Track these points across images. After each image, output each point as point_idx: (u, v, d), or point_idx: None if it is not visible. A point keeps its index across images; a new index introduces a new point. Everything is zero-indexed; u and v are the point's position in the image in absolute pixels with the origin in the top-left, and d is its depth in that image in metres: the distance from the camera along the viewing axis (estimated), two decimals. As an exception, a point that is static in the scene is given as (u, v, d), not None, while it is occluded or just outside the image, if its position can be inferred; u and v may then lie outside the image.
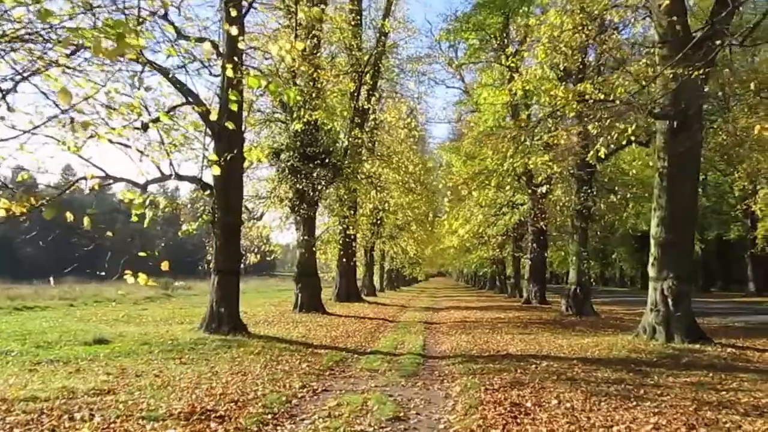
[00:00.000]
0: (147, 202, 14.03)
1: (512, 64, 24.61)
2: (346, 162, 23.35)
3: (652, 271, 13.59)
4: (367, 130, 26.18)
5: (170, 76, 13.57)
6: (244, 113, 15.36)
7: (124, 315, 20.98)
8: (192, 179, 14.63)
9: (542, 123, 19.85)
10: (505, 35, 29.49)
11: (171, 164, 14.26)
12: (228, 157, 13.31)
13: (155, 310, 24.50)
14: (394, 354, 12.57)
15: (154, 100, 13.23)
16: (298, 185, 21.03)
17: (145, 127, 12.42)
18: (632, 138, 16.11)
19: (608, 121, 13.05)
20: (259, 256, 22.30)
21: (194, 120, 14.02)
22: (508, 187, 28.79)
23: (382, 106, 28.27)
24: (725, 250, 51.21)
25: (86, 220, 6.63)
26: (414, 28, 29.37)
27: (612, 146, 22.23)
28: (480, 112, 34.67)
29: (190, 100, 13.75)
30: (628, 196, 22.79)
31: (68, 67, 7.85)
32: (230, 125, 8.62)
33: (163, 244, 19.11)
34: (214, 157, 13.82)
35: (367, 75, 26.36)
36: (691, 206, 13.54)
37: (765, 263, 44.58)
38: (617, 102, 12.74)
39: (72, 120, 7.03)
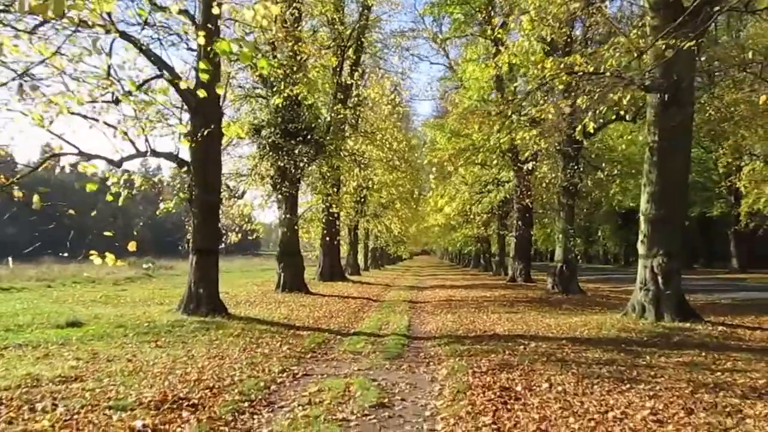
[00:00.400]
0: (122, 180, 13.72)
1: (499, 36, 24.26)
2: (329, 138, 22.86)
3: (641, 249, 13.31)
4: (350, 106, 25.61)
5: (144, 47, 13.02)
6: (222, 87, 14.78)
7: (102, 296, 20.48)
8: (168, 156, 14.11)
9: (530, 96, 19.53)
10: (490, 8, 28.90)
11: (147, 140, 13.78)
12: (205, 132, 12.86)
13: (135, 290, 24.03)
14: (378, 335, 12.23)
15: (128, 76, 12.72)
16: (279, 162, 20.53)
17: (116, 101, 11.86)
18: (621, 112, 15.88)
19: (597, 94, 12.65)
20: (240, 235, 21.80)
21: (165, 89, 13.50)
22: (494, 164, 28.54)
23: (365, 82, 27.67)
24: (708, 226, 51.31)
25: (35, 198, 6.15)
26: (398, 1, 28.51)
27: (600, 121, 21.97)
28: (465, 88, 34.23)
29: (164, 72, 13.17)
30: (615, 172, 22.52)
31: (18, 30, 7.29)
32: (201, 93, 8.03)
33: (141, 224, 18.59)
34: (183, 128, 13.45)
35: (350, 49, 25.79)
36: (682, 181, 13.24)
37: (748, 240, 44.68)
38: (607, 75, 12.37)
39: (21, 85, 6.49)
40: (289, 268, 22.44)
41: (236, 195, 22.16)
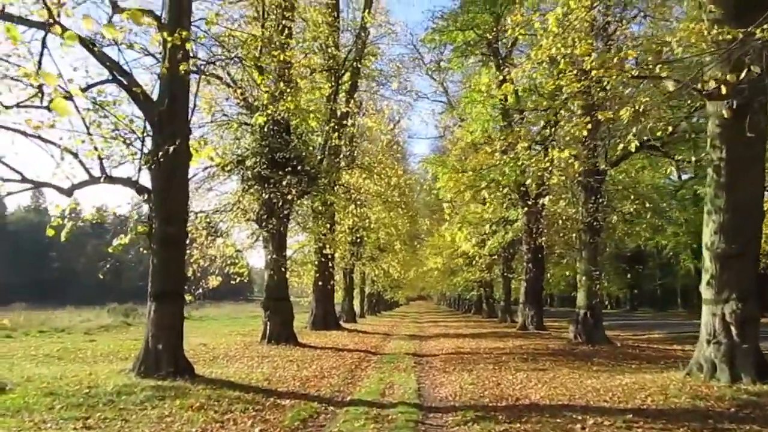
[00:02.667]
0: (66, 211, 11.21)
1: (507, 62, 22.16)
2: (323, 171, 20.47)
3: (707, 292, 10.75)
4: (345, 137, 23.29)
5: (91, 43, 10.65)
6: (192, 103, 12.38)
7: (60, 349, 17.77)
8: (126, 182, 11.61)
9: (541, 121, 17.26)
10: (495, 36, 26.85)
11: (101, 164, 11.38)
12: (170, 150, 10.41)
13: (103, 342, 21.21)
14: (381, 405, 9.56)
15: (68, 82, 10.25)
16: (264, 195, 18.03)
17: (47, 106, 9.40)
18: (651, 139, 13.56)
19: (641, 103, 10.25)
20: (221, 278, 19.06)
21: (119, 101, 11.14)
22: (501, 201, 26.17)
23: (362, 112, 25.39)
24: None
25: None
26: (394, 30, 26.58)
27: (620, 152, 19.68)
28: (466, 123, 32.10)
29: (117, 76, 10.77)
30: (647, 205, 20.07)
31: None
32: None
33: (108, 266, 16.20)
34: (130, 152, 11.01)
35: (345, 75, 23.59)
36: (757, 206, 10.72)
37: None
38: (664, 77, 10.04)
39: None
40: (276, 315, 19.73)
41: (217, 233, 19.58)
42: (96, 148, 11.20)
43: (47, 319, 31.83)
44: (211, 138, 19.49)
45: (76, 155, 11.07)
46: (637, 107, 10.25)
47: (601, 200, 19.36)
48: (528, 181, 25.77)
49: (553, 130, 12.73)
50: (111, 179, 11.36)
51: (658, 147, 19.71)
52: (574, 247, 20.23)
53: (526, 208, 23.19)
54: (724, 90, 7.77)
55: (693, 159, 19.69)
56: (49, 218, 10.93)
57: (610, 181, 20.52)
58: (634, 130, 10.47)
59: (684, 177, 44.96)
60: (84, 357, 15.95)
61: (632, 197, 20.82)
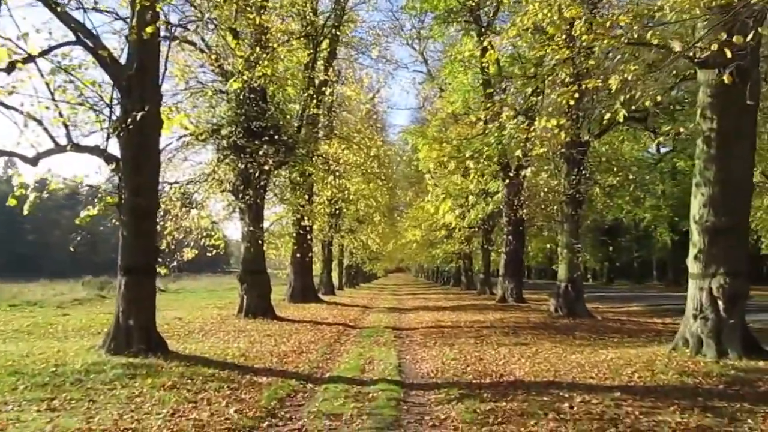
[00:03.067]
0: (32, 181, 10.70)
1: (489, 29, 21.67)
2: (300, 141, 19.95)
3: (694, 266, 10.51)
4: (323, 106, 22.73)
5: (57, 8, 10.02)
6: (163, 67, 11.77)
7: (30, 324, 17.24)
8: (94, 150, 11.04)
9: (525, 90, 16.84)
10: (477, 3, 26.26)
11: (68, 131, 10.83)
12: (137, 117, 9.88)
13: (76, 316, 20.67)
14: (361, 381, 9.25)
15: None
16: (240, 165, 17.49)
17: (9, 69, 8.85)
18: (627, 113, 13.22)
19: (631, 71, 9.86)
20: (196, 251, 18.57)
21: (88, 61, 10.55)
22: (482, 173, 25.88)
23: (341, 81, 24.76)
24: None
25: None
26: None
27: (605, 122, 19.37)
28: (447, 93, 31.63)
29: (82, 37, 10.15)
30: (630, 177, 19.82)
31: None
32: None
33: (79, 238, 15.68)
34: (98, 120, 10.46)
35: (323, 43, 22.93)
36: (747, 179, 10.48)
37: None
38: (654, 43, 9.66)
39: None
40: (253, 288, 19.31)
41: (192, 204, 19.00)
42: (61, 115, 10.64)
43: (19, 293, 31.10)
44: (185, 106, 18.85)
45: (40, 122, 10.51)
46: (626, 76, 9.89)
47: (583, 172, 19.10)
48: (512, 153, 25.54)
49: (540, 98, 12.33)
50: (78, 147, 10.82)
51: (640, 119, 19.49)
52: (556, 220, 19.98)
53: (507, 180, 22.88)
54: (729, 54, 7.39)
55: (673, 132, 19.47)
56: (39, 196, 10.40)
57: (592, 153, 20.24)
58: (621, 99, 10.12)
59: (663, 150, 45.10)
60: (55, 332, 15.46)
61: (615, 169, 20.59)
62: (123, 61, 10.98)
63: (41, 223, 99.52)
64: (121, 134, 10.56)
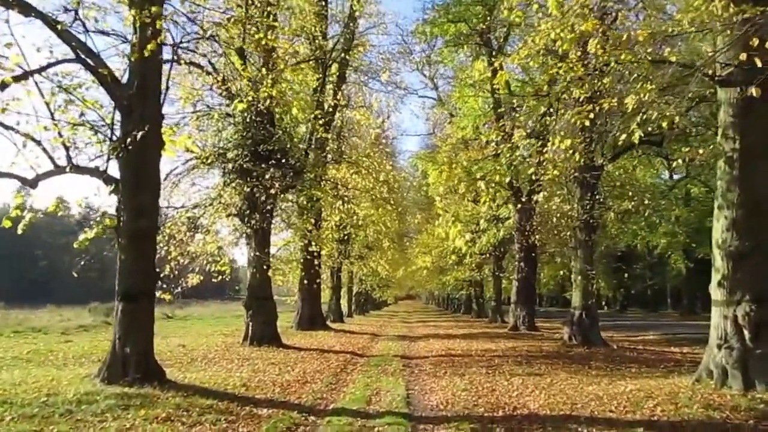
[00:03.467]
0: (28, 203, 10.45)
1: (500, 53, 21.40)
2: (309, 166, 19.66)
3: (718, 293, 9.99)
4: (332, 130, 22.47)
5: (57, 26, 9.78)
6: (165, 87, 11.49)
7: (31, 351, 16.87)
8: (93, 171, 10.74)
9: (536, 112, 16.45)
10: (487, 27, 26.06)
11: (67, 152, 10.56)
12: (137, 136, 9.58)
13: (79, 342, 20.30)
14: (366, 414, 8.76)
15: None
16: (246, 188, 17.15)
17: (2, 86, 8.57)
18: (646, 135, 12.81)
19: (647, 91, 9.49)
20: (202, 277, 18.19)
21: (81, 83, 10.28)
22: (493, 197, 25.47)
23: (350, 105, 24.52)
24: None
25: None
26: (384, 21, 25.71)
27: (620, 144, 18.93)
28: (457, 119, 31.40)
29: (82, 55, 9.90)
30: (646, 201, 19.29)
31: None
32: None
33: (83, 263, 15.31)
34: (95, 139, 10.16)
35: (333, 67, 22.75)
36: (773, 201, 9.98)
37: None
38: (674, 61, 9.28)
39: None
40: (258, 315, 18.85)
41: (197, 229, 18.67)
42: (60, 135, 10.38)
43: (24, 319, 30.82)
44: (191, 130, 18.65)
45: (39, 143, 10.26)
46: (642, 96, 9.51)
47: (597, 197, 18.65)
48: (524, 174, 25.10)
49: (553, 118, 11.91)
50: (77, 169, 10.56)
51: (655, 142, 19.09)
52: (569, 246, 19.48)
53: (519, 205, 22.43)
54: (759, 63, 6.98)
55: (688, 158, 19.09)
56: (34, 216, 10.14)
57: (606, 177, 19.77)
58: (637, 119, 9.73)
59: (676, 177, 44.55)
60: (54, 359, 15.09)
61: (630, 194, 20.10)
62: (125, 81, 10.73)
63: (52, 250, 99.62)
64: (121, 155, 10.25)
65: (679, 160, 20.07)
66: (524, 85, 24.47)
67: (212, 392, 9.99)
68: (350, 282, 46.27)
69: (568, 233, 19.68)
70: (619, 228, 21.40)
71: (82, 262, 15.35)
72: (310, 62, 20.37)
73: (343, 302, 43.06)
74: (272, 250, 21.97)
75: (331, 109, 22.98)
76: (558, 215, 20.12)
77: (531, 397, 9.96)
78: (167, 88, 10.99)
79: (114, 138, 10.67)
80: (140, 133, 9.60)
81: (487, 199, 21.72)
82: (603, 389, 10.45)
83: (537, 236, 22.40)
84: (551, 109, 12.53)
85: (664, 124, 9.86)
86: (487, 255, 36.32)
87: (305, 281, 26.29)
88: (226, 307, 58.69)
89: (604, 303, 72.43)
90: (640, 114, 9.80)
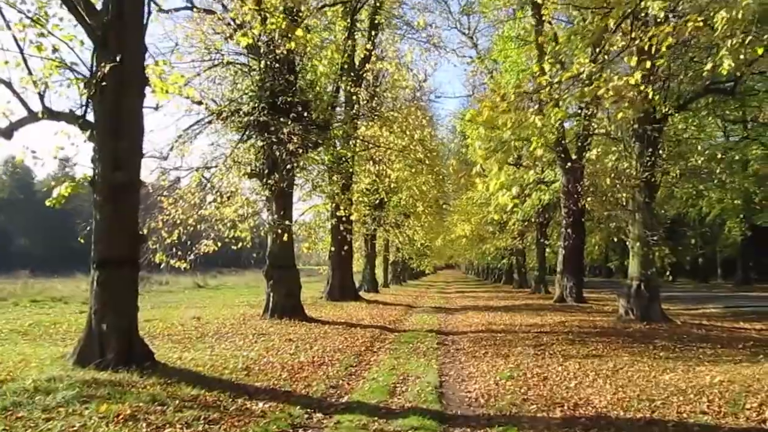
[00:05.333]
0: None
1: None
2: (335, 121, 17.83)
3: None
4: (363, 82, 20.50)
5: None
6: None
7: (34, 323, 15.49)
8: (69, 117, 9.04)
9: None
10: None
11: (41, 96, 8.92)
12: (105, 68, 7.82)
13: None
14: (387, 410, 6.98)
15: None
16: (262, 144, 15.38)
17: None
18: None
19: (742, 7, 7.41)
20: (219, 245, 16.40)
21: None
22: (539, 158, 23.32)
23: (384, 56, 22.40)
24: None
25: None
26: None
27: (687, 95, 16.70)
28: (498, 74, 29.16)
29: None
30: (719, 156, 16.78)
31: None
32: None
33: (88, 228, 13.86)
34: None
35: (362, 13, 20.69)
36: None
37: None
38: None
39: None
40: (280, 286, 17.19)
41: (217, 192, 16.92)
42: (30, 72, 8.71)
43: (46, 288, 29.79)
44: (205, 83, 16.94)
45: (9, 84, 8.63)
46: (735, 13, 7.42)
47: (660, 152, 16.39)
48: (572, 130, 22.88)
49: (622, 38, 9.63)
50: (52, 114, 8.91)
51: (727, 91, 16.71)
52: (626, 209, 17.27)
53: (569, 164, 20.20)
54: None
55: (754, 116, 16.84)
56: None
57: (670, 130, 17.36)
58: (728, 44, 7.63)
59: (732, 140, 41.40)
60: (54, 333, 13.67)
61: (698, 148, 17.66)
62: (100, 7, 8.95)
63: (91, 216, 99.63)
64: (95, 94, 8.51)
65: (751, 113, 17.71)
66: (573, 37, 22.11)
67: (204, 379, 8.31)
68: (386, 251, 44.51)
69: (624, 195, 17.45)
70: (684, 190, 18.88)
71: (88, 228, 13.70)
72: (337, 5, 18.29)
73: (379, 272, 41.38)
74: (297, 216, 20.27)
75: (363, 62, 20.99)
76: (612, 175, 17.84)
77: (594, 388, 8.02)
78: (149, 13, 9.14)
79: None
80: (109, 66, 7.83)
81: (532, 156, 19.49)
82: (682, 378, 8.46)
83: (588, 199, 20.15)
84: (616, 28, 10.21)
85: (760, 50, 7.70)
86: (531, 221, 34.18)
87: (336, 249, 24.61)
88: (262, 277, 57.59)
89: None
90: (731, 39, 7.71)
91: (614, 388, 7.93)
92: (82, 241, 12.74)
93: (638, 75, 8.72)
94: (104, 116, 8.59)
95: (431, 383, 8.50)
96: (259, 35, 13.16)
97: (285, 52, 14.74)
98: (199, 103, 15.38)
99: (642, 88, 9.23)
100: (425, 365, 10.14)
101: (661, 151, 16.52)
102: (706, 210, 45.30)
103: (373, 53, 21.08)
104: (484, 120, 8.00)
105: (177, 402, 6.87)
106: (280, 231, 16.62)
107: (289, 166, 15.91)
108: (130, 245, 8.72)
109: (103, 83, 8.35)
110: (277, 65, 15.74)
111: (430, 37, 27.50)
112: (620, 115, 11.60)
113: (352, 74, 20.25)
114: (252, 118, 15.67)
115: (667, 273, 23.74)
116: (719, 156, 18.35)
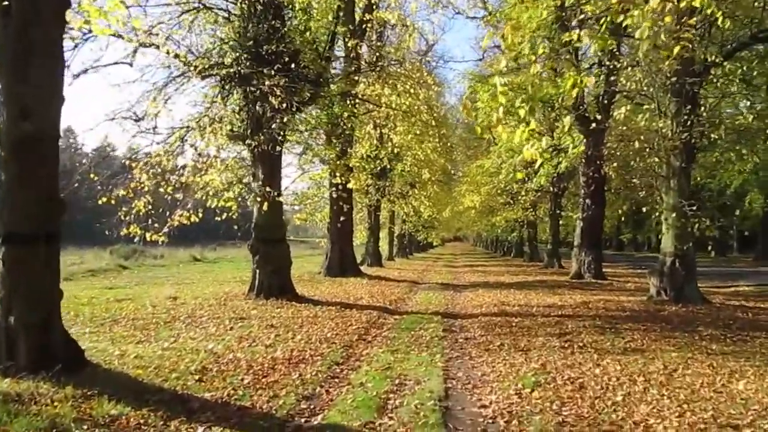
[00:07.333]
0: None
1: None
2: (328, 75, 15.79)
3: None
4: (359, 32, 18.39)
5: None
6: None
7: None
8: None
9: None
10: None
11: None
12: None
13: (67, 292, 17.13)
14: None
15: None
16: (236, 97, 13.37)
17: None
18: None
19: None
20: (197, 216, 14.33)
21: None
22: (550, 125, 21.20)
23: (383, 6, 20.20)
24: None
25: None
26: None
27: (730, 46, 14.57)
28: (511, 30, 26.81)
29: None
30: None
31: None
32: None
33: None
34: None
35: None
36: None
37: None
38: None
39: None
40: (267, 262, 15.24)
41: (197, 153, 14.87)
42: None
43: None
44: (180, 31, 14.80)
45: None
46: None
47: (702, 110, 14.26)
48: (594, 90, 20.86)
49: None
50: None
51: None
52: (660, 175, 15.17)
53: (593, 126, 18.02)
54: None
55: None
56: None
57: (711, 83, 15.09)
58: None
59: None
60: None
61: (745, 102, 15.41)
62: None
63: (97, 189, 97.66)
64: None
65: None
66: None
67: (140, 387, 6.41)
68: (391, 223, 42.53)
69: (657, 159, 15.36)
70: (735, 153, 16.44)
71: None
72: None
73: (383, 245, 39.45)
74: (289, 183, 18.26)
75: (363, 12, 18.85)
76: (641, 137, 15.70)
77: (648, 404, 6.03)
78: None
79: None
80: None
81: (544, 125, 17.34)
82: (761, 389, 6.49)
83: (613, 164, 18.01)
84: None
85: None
86: (544, 191, 32.10)
87: (334, 221, 22.66)
88: (297, 251, 55.52)
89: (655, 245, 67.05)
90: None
91: (677, 404, 5.97)
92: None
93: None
94: (7, 49, 6.58)
95: (434, 393, 6.57)
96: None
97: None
98: (176, 56, 13.33)
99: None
100: (428, 363, 8.21)
101: (704, 108, 14.39)
102: (726, 181, 43.03)
103: (375, 4, 18.98)
104: (507, 45, 5.92)
105: (85, 429, 4.99)
106: (262, 199, 14.66)
107: (273, 125, 13.85)
108: (44, 215, 6.75)
109: (6, 3, 6.37)
110: (260, 7, 13.68)
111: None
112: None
113: (350, 26, 18.13)
114: (232, 70, 13.66)
115: (710, 249, 21.49)
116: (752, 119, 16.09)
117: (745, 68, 14.92)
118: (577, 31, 6.46)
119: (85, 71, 11.94)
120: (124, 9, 8.04)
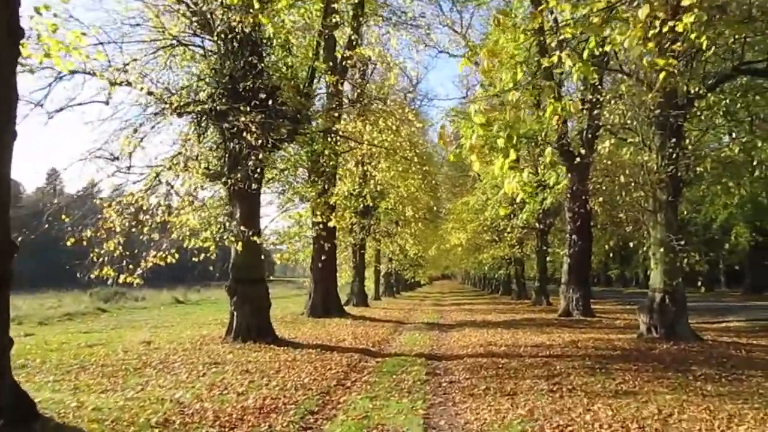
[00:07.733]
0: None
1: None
2: (309, 113, 15.51)
3: None
4: (340, 69, 18.19)
5: None
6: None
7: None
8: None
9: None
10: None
11: None
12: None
13: (39, 337, 16.61)
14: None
15: None
16: (211, 134, 13.02)
17: None
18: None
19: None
20: (173, 257, 13.79)
21: None
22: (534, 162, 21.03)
23: (365, 44, 20.11)
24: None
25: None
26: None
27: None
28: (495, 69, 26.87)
29: None
30: (760, 144, 14.28)
31: None
32: None
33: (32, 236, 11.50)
34: None
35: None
36: None
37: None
38: None
39: None
40: (245, 303, 14.70)
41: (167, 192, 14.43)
42: None
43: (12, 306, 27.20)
44: (155, 68, 14.48)
45: None
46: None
47: (687, 143, 14.07)
48: (578, 125, 20.76)
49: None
50: None
51: (760, 71, 14.43)
52: (647, 209, 14.92)
53: (577, 160, 17.82)
54: None
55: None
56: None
57: (695, 116, 14.91)
58: None
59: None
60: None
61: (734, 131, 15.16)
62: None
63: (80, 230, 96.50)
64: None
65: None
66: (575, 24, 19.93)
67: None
68: (377, 261, 42.10)
69: (643, 193, 15.12)
70: (724, 186, 16.05)
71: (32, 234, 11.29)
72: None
73: (369, 284, 38.87)
74: (268, 222, 17.82)
75: (344, 49, 18.69)
76: (626, 171, 15.48)
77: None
78: None
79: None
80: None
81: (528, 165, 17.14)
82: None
83: (599, 199, 17.77)
84: None
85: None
86: (531, 228, 31.87)
87: (316, 260, 22.18)
88: (284, 291, 54.74)
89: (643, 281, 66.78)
90: None
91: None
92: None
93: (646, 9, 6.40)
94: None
95: (413, 446, 6.10)
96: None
97: (245, 30, 12.51)
98: (149, 93, 13.00)
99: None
100: (408, 410, 7.72)
101: (688, 141, 14.21)
102: (711, 215, 43.12)
103: (356, 42, 18.86)
104: (483, 70, 5.65)
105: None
106: (236, 239, 14.20)
107: (250, 162, 13.46)
108: (-6, 256, 6.30)
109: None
110: (236, 44, 13.44)
111: (419, 27, 25.22)
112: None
113: (330, 63, 17.94)
114: (207, 106, 13.34)
115: (699, 284, 21.14)
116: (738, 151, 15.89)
117: (728, 101, 14.74)
118: (557, 52, 6.16)
119: (60, 110, 11.63)
120: (84, 42, 7.70)
